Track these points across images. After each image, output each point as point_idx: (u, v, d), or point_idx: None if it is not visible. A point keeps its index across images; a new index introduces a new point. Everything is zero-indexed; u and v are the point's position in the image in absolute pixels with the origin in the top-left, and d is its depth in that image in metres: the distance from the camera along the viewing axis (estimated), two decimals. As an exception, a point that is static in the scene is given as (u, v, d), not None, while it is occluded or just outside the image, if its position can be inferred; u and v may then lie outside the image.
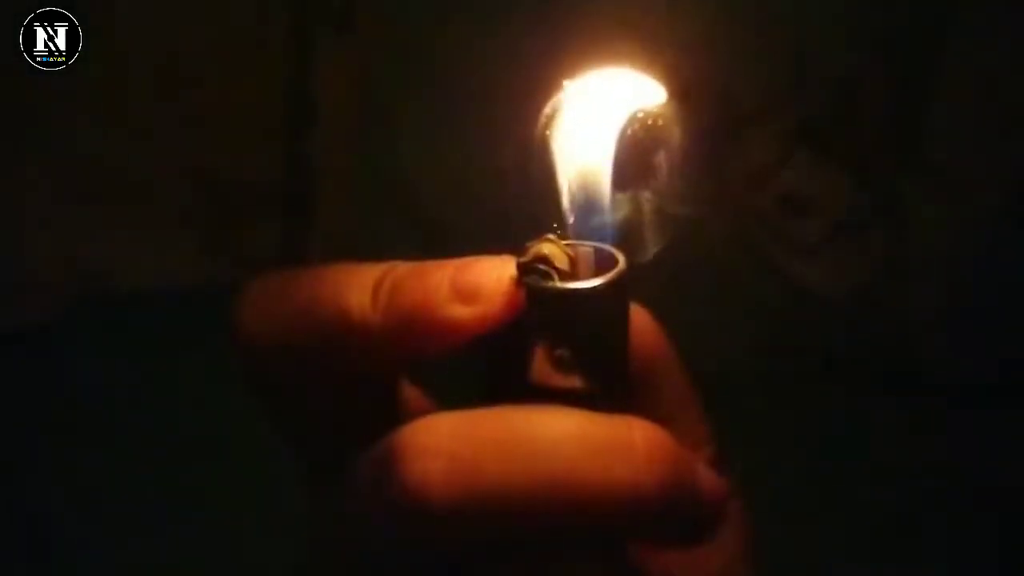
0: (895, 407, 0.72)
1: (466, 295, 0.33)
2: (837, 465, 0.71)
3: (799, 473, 0.69)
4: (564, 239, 0.34)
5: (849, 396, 0.72)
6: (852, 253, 0.68)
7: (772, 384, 0.71)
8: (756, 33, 0.61)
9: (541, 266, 0.33)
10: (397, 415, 0.37)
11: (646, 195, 0.36)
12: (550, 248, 0.33)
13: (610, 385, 0.35)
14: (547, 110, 0.35)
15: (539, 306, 0.33)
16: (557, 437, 0.32)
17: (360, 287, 0.34)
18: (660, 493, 0.32)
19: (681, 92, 0.34)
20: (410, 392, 0.39)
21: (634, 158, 0.35)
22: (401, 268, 0.34)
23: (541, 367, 0.34)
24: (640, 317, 0.37)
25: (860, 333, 0.71)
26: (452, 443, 0.32)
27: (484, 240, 0.35)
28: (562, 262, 0.33)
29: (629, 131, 0.36)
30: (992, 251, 0.68)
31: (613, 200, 0.35)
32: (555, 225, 0.35)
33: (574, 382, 0.34)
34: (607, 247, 0.35)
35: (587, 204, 0.36)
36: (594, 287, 0.33)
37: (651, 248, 0.36)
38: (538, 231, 0.34)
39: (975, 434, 0.73)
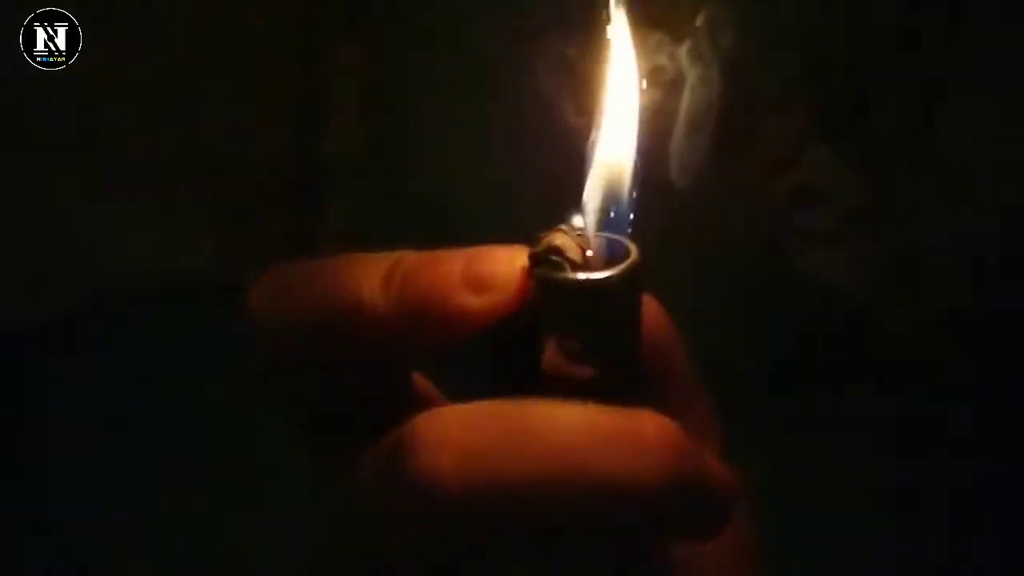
0: (901, 403, 0.72)
1: (477, 284, 0.33)
2: (842, 461, 0.72)
3: (804, 467, 0.69)
4: (577, 230, 0.34)
5: (858, 391, 0.72)
6: (864, 245, 0.68)
7: (779, 377, 0.71)
8: (771, 28, 0.62)
9: (553, 257, 0.33)
10: (407, 406, 0.37)
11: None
12: (562, 239, 0.33)
13: (621, 376, 0.34)
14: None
15: (550, 297, 0.33)
16: (567, 428, 0.32)
17: (371, 276, 0.34)
18: (671, 485, 0.32)
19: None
20: (420, 383, 0.39)
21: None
22: (412, 257, 0.34)
23: (552, 358, 0.34)
24: (650, 308, 0.37)
25: (871, 327, 0.71)
26: (462, 434, 0.32)
27: (496, 231, 0.35)
28: (574, 253, 0.33)
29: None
30: (1004, 246, 0.68)
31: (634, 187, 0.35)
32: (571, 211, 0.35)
33: (585, 373, 0.34)
34: (620, 238, 0.35)
35: (609, 194, 0.36)
36: (606, 278, 0.33)
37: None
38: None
39: (980, 433, 0.73)
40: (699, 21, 0.36)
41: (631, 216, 0.35)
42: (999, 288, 0.70)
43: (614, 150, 0.35)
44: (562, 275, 0.33)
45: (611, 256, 0.34)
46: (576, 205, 0.36)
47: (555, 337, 0.34)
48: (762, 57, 0.62)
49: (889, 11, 0.66)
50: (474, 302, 0.33)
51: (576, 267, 0.33)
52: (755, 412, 0.65)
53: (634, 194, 0.36)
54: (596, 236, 0.35)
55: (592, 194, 0.36)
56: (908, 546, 0.72)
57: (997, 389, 0.72)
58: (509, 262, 0.33)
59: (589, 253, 0.35)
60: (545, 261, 0.33)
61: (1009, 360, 0.71)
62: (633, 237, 0.35)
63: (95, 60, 0.73)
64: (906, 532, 0.72)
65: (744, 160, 0.65)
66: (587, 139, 0.36)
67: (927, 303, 0.71)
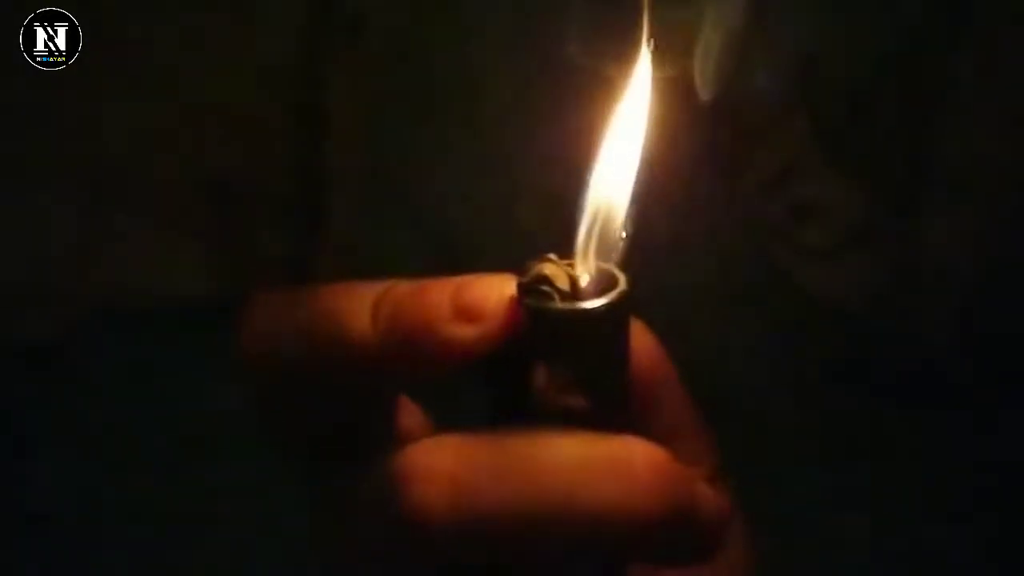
0: (905, 413, 0.72)
1: (467, 314, 0.33)
2: (845, 472, 0.71)
3: (806, 481, 0.69)
4: (565, 259, 0.34)
5: (860, 404, 0.72)
6: (865, 260, 0.68)
7: (782, 392, 0.70)
8: (767, 39, 0.61)
9: (542, 286, 0.33)
10: (397, 436, 0.37)
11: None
12: (551, 268, 0.33)
13: (611, 405, 0.34)
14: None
15: (539, 326, 0.33)
16: (557, 460, 0.32)
17: (360, 307, 0.34)
18: (661, 515, 0.32)
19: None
20: (410, 412, 0.39)
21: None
22: (401, 287, 0.34)
23: (542, 386, 0.34)
24: (640, 334, 0.37)
25: (873, 341, 0.71)
26: (453, 466, 0.32)
27: (497, 244, 0.35)
28: (563, 282, 0.33)
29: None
30: (1006, 257, 0.68)
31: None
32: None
33: (575, 401, 0.34)
34: (609, 267, 0.35)
35: (602, 223, 0.35)
36: (594, 308, 0.33)
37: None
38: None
39: (985, 436, 0.73)
40: None
41: (622, 245, 0.35)
42: (1002, 296, 0.70)
43: (611, 181, 0.35)
44: (550, 305, 0.33)
45: (601, 285, 0.34)
46: (571, 229, 0.36)
47: (545, 366, 0.34)
48: (760, 72, 0.61)
49: (888, 23, 0.66)
50: (463, 332, 0.33)
51: (565, 297, 0.33)
52: (755, 427, 0.64)
53: (628, 222, 0.35)
54: (585, 265, 0.35)
55: (586, 223, 0.35)
56: (910, 549, 0.72)
57: (999, 397, 0.71)
58: (498, 292, 0.33)
59: (583, 281, 0.35)
60: (534, 291, 0.33)
61: (1011, 369, 0.71)
62: (625, 265, 0.35)
63: (95, 62, 0.72)
64: (910, 535, 0.72)
65: (743, 176, 0.65)
66: (587, 161, 0.36)
67: (929, 314, 0.70)
